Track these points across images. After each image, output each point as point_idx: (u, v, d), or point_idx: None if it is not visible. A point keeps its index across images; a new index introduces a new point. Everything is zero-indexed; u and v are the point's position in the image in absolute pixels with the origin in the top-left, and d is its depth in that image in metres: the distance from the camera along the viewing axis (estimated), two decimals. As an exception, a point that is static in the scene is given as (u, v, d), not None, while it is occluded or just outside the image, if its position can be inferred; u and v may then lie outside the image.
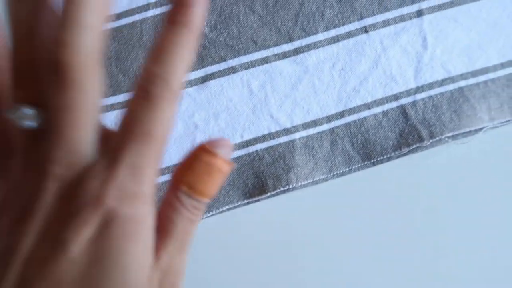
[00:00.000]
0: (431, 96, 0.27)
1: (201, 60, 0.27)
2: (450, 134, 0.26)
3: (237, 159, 0.26)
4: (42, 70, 0.14)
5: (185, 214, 0.16)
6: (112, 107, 0.27)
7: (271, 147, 0.26)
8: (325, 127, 0.27)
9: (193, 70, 0.26)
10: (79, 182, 0.14)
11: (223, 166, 0.16)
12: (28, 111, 0.14)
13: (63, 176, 0.14)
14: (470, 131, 0.27)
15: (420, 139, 0.26)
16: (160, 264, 0.16)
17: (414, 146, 0.26)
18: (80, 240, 0.14)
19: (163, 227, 0.16)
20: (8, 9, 0.15)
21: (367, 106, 0.27)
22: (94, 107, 0.14)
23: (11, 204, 0.15)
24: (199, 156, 0.16)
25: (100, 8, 0.14)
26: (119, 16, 0.27)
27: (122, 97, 0.27)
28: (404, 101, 0.27)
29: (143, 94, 0.14)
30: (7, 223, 0.15)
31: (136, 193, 0.15)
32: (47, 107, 0.14)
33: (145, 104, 0.14)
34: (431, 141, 0.26)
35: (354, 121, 0.27)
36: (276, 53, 0.27)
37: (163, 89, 0.14)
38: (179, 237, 0.16)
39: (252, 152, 0.26)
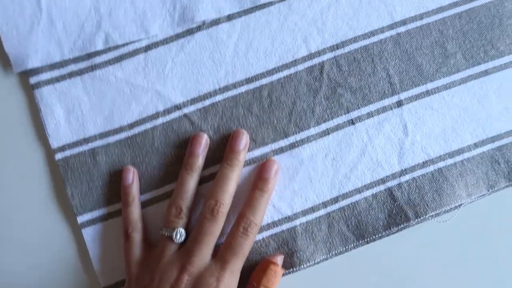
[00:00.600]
0: (414, 178, 0.30)
1: (208, 161, 0.30)
2: (433, 213, 0.30)
3: (246, 247, 0.30)
4: (204, 213, 0.27)
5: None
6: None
7: (275, 234, 0.30)
8: (322, 212, 0.30)
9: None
10: (203, 280, 0.26)
11: (281, 271, 0.28)
12: (183, 231, 0.27)
13: (194, 273, 0.26)
14: (450, 209, 0.30)
15: (407, 218, 0.30)
16: None
17: (402, 225, 0.30)
18: None
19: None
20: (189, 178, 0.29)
21: (358, 190, 0.30)
22: (218, 234, 0.27)
23: (157, 284, 0.26)
24: (269, 266, 0.28)
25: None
26: (132, 125, 0.30)
27: (142, 197, 0.30)
28: (390, 184, 0.30)
29: (243, 231, 0.27)
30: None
31: (233, 285, 0.27)
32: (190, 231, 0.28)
33: (244, 237, 0.27)
34: (416, 220, 0.30)
35: (348, 205, 0.30)
36: (274, 149, 0.30)
37: (253, 229, 0.27)
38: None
39: (259, 239, 0.29)
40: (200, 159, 0.29)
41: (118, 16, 0.30)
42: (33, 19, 0.29)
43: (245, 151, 0.29)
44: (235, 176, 0.28)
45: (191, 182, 0.28)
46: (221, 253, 0.27)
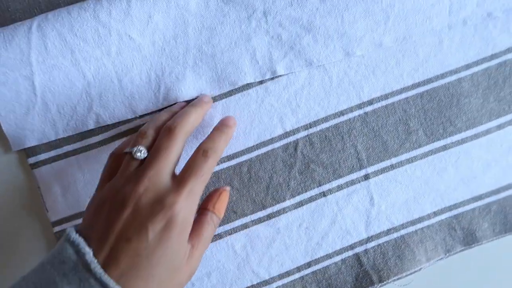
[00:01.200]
0: (379, 245, 0.34)
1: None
2: (395, 277, 0.33)
3: (228, 308, 0.33)
4: (161, 133, 0.28)
5: (211, 224, 0.28)
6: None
7: (254, 296, 0.33)
8: (296, 276, 0.33)
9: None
10: (158, 194, 0.25)
11: (227, 197, 0.31)
12: (143, 149, 0.27)
13: (149, 188, 0.25)
14: (410, 273, 0.33)
15: (372, 282, 0.33)
16: (191, 250, 0.26)
17: (367, 288, 0.33)
18: (155, 229, 0.24)
19: (197, 229, 0.28)
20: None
21: (329, 256, 0.33)
22: (176, 156, 0.27)
23: (113, 198, 0.25)
24: (222, 192, 0.30)
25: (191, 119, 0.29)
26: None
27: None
28: (358, 250, 0.33)
29: (203, 153, 0.27)
30: (106, 210, 0.25)
31: (191, 208, 0.26)
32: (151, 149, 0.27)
33: (203, 159, 0.27)
34: (380, 284, 0.33)
35: (319, 269, 0.33)
36: (253, 219, 0.33)
37: (213, 154, 0.28)
38: (206, 236, 0.28)
39: (239, 301, 0.33)
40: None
41: (108, 98, 0.32)
42: (29, 103, 0.32)
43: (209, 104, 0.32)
44: (199, 112, 0.30)
45: (164, 116, 0.30)
46: (180, 174, 0.27)
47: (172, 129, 0.27)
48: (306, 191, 0.33)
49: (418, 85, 0.34)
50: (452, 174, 0.34)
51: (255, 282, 0.33)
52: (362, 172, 0.34)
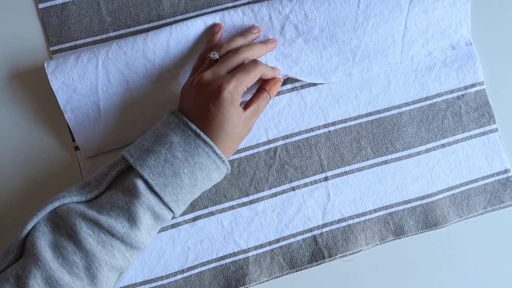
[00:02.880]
0: (331, 230, 0.45)
1: (192, 207, 0.43)
2: (341, 254, 0.44)
3: (214, 268, 0.43)
4: (231, 52, 0.40)
5: (264, 99, 0.41)
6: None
7: (235, 261, 0.44)
8: (267, 248, 0.44)
9: (186, 214, 0.43)
10: (216, 82, 0.37)
11: (280, 83, 0.43)
12: (216, 54, 0.40)
13: (211, 78, 0.37)
14: (353, 252, 0.44)
15: (323, 257, 0.44)
16: (245, 113, 0.39)
17: (320, 261, 0.44)
18: (213, 104, 0.36)
19: (253, 100, 0.40)
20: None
21: (293, 235, 0.44)
22: (233, 67, 0.39)
23: (189, 86, 0.38)
24: (277, 82, 0.42)
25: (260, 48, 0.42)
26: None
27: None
28: (315, 232, 0.44)
29: (251, 62, 0.39)
30: (187, 95, 0.38)
31: (237, 90, 0.37)
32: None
33: (252, 64, 0.39)
34: (329, 259, 0.44)
35: (285, 245, 0.44)
36: (238, 203, 0.44)
37: (257, 61, 0.40)
38: (259, 105, 0.40)
39: (223, 264, 0.43)
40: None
41: (149, 113, 0.43)
42: (95, 122, 0.42)
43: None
44: (264, 49, 0.42)
45: (239, 41, 0.41)
46: (233, 72, 0.38)
47: (238, 52, 0.39)
48: (280, 185, 0.45)
49: (369, 114, 0.46)
50: (390, 182, 0.46)
51: (236, 250, 0.44)
52: (323, 175, 0.45)
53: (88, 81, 0.41)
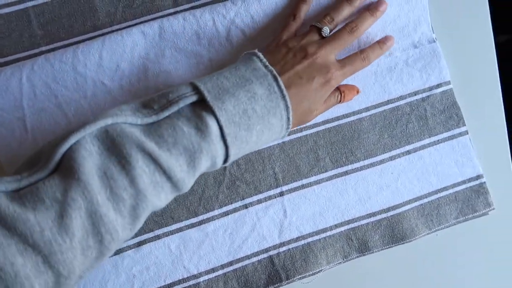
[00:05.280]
0: (289, 249, 0.41)
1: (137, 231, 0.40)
2: (300, 276, 0.41)
3: (162, 296, 0.40)
4: (344, 28, 0.39)
5: (334, 100, 0.40)
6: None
7: (185, 287, 0.40)
8: (220, 272, 0.41)
9: (130, 238, 0.40)
10: (328, 63, 0.37)
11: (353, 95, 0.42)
12: (328, 30, 0.38)
13: (324, 56, 0.37)
14: (313, 273, 0.41)
15: (280, 279, 0.41)
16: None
17: (277, 285, 0.40)
18: (318, 81, 0.36)
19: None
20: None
21: (248, 257, 0.41)
22: (344, 47, 0.39)
23: (299, 50, 0.37)
24: (355, 90, 0.42)
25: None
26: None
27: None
28: (271, 252, 0.41)
29: (349, 30, 0.39)
30: (291, 56, 0.36)
31: (339, 82, 0.38)
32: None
33: (349, 36, 0.38)
34: (287, 281, 0.40)
35: (239, 268, 0.41)
36: (187, 224, 0.41)
37: (358, 30, 0.39)
38: (328, 103, 0.39)
39: (172, 291, 0.40)
40: None
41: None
42: (21, 139, 0.39)
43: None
44: (373, 21, 0.40)
45: (346, 11, 0.39)
46: (342, 61, 0.38)
47: (351, 31, 0.38)
48: (231, 203, 0.41)
49: (327, 121, 0.42)
50: (352, 194, 0.42)
51: (185, 276, 0.40)
52: (278, 190, 0.42)
53: (12, 96, 0.38)
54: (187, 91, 0.31)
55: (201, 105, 0.31)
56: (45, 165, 0.28)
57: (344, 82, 0.40)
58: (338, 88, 0.40)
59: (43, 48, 0.41)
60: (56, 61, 0.38)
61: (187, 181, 0.31)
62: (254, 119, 0.32)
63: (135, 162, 0.28)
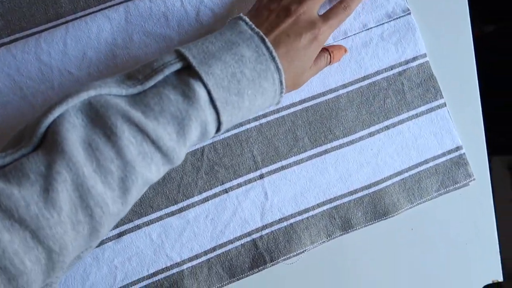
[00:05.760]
0: (272, 231, 0.41)
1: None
2: (284, 257, 0.40)
3: (146, 286, 0.40)
4: None
5: (324, 61, 0.39)
6: None
7: (168, 276, 0.40)
8: (203, 258, 0.40)
9: (111, 229, 0.39)
10: (312, 18, 0.36)
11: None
12: None
13: (307, 12, 0.35)
14: (297, 253, 0.41)
15: (265, 262, 0.40)
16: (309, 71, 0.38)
17: (261, 267, 0.40)
18: (306, 37, 0.35)
19: (316, 58, 0.38)
20: None
21: (231, 241, 0.41)
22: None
23: (281, 9, 0.35)
24: (342, 50, 0.41)
25: None
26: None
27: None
28: (254, 236, 0.41)
29: (343, 7, 0.37)
30: (274, 15, 0.35)
31: (326, 38, 0.37)
32: None
33: (342, 11, 0.37)
34: (271, 263, 0.40)
35: (223, 253, 0.40)
36: (166, 212, 0.40)
37: (349, 10, 0.38)
38: (319, 65, 0.38)
39: (155, 281, 0.40)
40: None
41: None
42: None
43: None
44: None
45: None
46: (325, 14, 0.37)
47: None
48: (211, 189, 0.41)
49: (304, 101, 0.42)
50: (332, 173, 0.42)
51: (168, 264, 0.40)
52: (258, 173, 0.41)
53: None
54: (171, 58, 0.31)
55: (187, 72, 0.30)
56: (29, 140, 0.27)
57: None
58: (326, 49, 0.39)
59: (5, 40, 0.39)
60: (18, 51, 0.37)
61: (178, 150, 0.30)
62: (244, 83, 0.31)
63: (121, 132, 0.28)
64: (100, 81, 0.30)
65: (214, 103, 0.30)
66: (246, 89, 0.31)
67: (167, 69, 0.30)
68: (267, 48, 0.32)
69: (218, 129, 0.32)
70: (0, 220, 0.24)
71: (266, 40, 0.32)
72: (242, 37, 0.32)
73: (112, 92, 0.29)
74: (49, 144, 0.27)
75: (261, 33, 0.32)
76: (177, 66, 0.30)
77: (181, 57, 0.31)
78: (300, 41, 0.34)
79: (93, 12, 0.39)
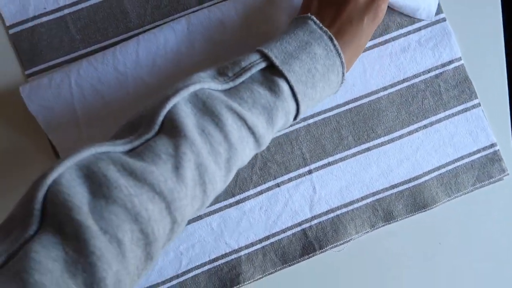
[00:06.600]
0: (320, 222, 0.45)
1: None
2: (331, 245, 0.44)
3: (208, 271, 0.44)
4: None
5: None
6: None
7: (227, 261, 0.44)
8: (258, 246, 0.44)
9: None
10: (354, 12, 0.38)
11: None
12: None
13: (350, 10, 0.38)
14: (343, 242, 0.45)
15: (314, 249, 0.44)
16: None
17: (311, 254, 0.44)
18: (368, 18, 0.37)
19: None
20: None
21: (283, 231, 0.45)
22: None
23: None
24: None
25: None
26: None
27: None
28: (304, 226, 0.45)
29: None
30: (334, 7, 0.38)
31: (386, 7, 0.38)
32: None
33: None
34: (320, 251, 0.44)
35: (276, 241, 0.45)
36: (225, 204, 0.45)
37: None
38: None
39: (216, 266, 0.44)
40: None
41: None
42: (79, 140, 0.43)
43: None
44: None
45: None
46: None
47: None
48: (264, 183, 0.45)
49: (348, 103, 0.46)
50: (374, 168, 0.45)
51: (227, 251, 0.44)
52: (307, 168, 0.45)
53: (64, 101, 0.42)
54: (257, 58, 0.35)
55: (271, 70, 0.35)
56: (149, 127, 0.31)
57: (360, 64, 0.43)
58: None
59: (82, 51, 0.45)
60: (99, 64, 0.42)
61: (267, 137, 0.35)
62: (317, 77, 0.36)
63: (225, 119, 0.32)
64: (196, 76, 0.34)
65: (296, 96, 0.35)
66: (319, 82, 0.36)
67: (254, 68, 0.34)
68: (334, 45, 0.36)
69: (295, 118, 0.37)
70: (146, 192, 0.29)
71: (333, 38, 0.36)
72: (313, 36, 0.36)
73: (211, 87, 0.33)
74: (170, 129, 0.31)
75: (329, 32, 0.36)
76: (262, 65, 0.35)
77: (265, 57, 0.35)
78: (363, 24, 0.37)
79: (158, 26, 0.44)
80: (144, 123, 0.32)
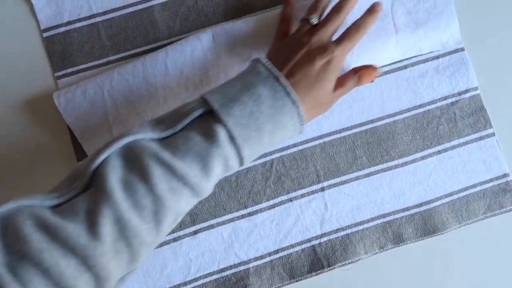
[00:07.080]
0: (330, 239, 0.45)
1: (193, 220, 0.45)
2: (339, 264, 0.45)
3: (216, 280, 0.45)
4: (331, 11, 0.40)
5: (352, 82, 0.41)
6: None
7: (236, 272, 0.45)
8: (267, 259, 0.45)
9: (187, 227, 0.45)
10: (324, 44, 0.38)
11: (376, 73, 0.43)
12: (316, 18, 0.40)
13: (318, 40, 0.38)
14: (352, 261, 0.45)
15: (322, 266, 0.45)
16: (334, 90, 0.39)
17: (319, 271, 0.45)
18: (321, 61, 0.37)
19: (343, 80, 0.40)
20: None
21: (292, 246, 0.45)
22: (337, 27, 0.40)
23: (293, 43, 0.39)
24: (372, 67, 0.42)
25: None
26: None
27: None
28: (314, 242, 0.45)
29: (356, 29, 0.39)
30: (288, 50, 0.38)
31: (342, 59, 0.38)
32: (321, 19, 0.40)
33: (355, 31, 0.39)
34: (328, 268, 0.45)
35: (285, 255, 0.45)
36: (237, 215, 0.45)
37: (363, 29, 0.40)
38: (346, 87, 0.40)
39: (224, 276, 0.44)
40: None
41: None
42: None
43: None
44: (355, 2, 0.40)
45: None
46: (339, 38, 0.39)
47: (338, 10, 0.39)
48: (277, 197, 0.46)
49: (363, 124, 0.47)
50: (387, 190, 0.46)
51: (236, 262, 0.45)
52: (320, 185, 0.46)
53: (98, 112, 0.44)
54: (196, 104, 0.35)
55: (210, 115, 0.34)
56: (81, 181, 0.32)
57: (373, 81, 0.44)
58: (355, 71, 0.41)
59: (111, 58, 0.46)
60: (130, 76, 0.44)
61: (204, 185, 0.34)
62: (262, 119, 0.34)
63: (152, 172, 0.32)
64: (138, 126, 0.35)
65: (234, 140, 0.34)
66: (265, 124, 0.34)
67: (192, 114, 0.34)
68: (281, 84, 0.35)
69: (241, 162, 0.35)
70: (58, 248, 0.29)
71: (280, 77, 0.35)
72: (259, 78, 0.35)
73: (147, 136, 0.34)
74: (95, 185, 0.32)
75: (276, 72, 0.35)
76: (201, 111, 0.34)
77: (204, 102, 0.35)
78: (314, 67, 0.37)
79: (186, 37, 0.46)
80: (79, 176, 0.33)
